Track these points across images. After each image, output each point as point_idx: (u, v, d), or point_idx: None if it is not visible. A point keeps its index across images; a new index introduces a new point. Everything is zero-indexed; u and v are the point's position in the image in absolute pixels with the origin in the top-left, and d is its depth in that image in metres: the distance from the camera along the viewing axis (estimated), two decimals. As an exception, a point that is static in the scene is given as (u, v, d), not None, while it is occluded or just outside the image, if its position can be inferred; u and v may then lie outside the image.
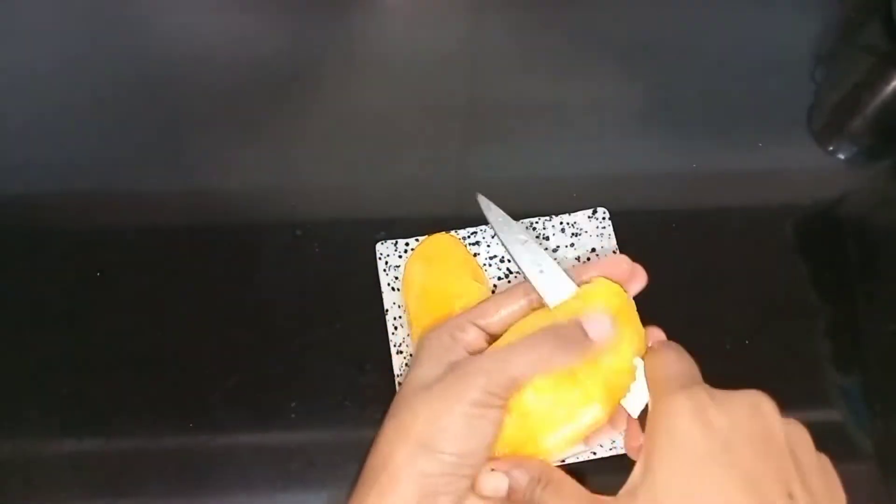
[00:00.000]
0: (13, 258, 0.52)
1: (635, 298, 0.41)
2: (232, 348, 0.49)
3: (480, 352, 0.36)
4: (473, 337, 0.37)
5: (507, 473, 0.34)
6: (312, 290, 0.51)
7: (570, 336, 0.34)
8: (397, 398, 0.36)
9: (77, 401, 0.48)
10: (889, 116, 0.60)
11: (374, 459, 0.35)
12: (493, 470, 0.34)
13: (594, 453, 0.45)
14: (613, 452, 0.44)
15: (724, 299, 0.52)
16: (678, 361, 0.34)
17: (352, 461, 0.46)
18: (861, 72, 0.63)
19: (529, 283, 0.37)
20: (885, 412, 0.49)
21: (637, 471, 0.31)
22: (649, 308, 0.50)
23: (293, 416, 0.47)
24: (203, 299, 0.51)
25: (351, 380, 0.48)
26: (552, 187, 0.55)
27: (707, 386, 0.31)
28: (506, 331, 0.37)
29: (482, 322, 0.37)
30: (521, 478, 0.34)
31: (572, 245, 0.50)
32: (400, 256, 0.50)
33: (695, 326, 0.50)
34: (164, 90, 0.59)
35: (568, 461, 0.44)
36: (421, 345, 0.38)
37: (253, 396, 0.48)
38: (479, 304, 0.38)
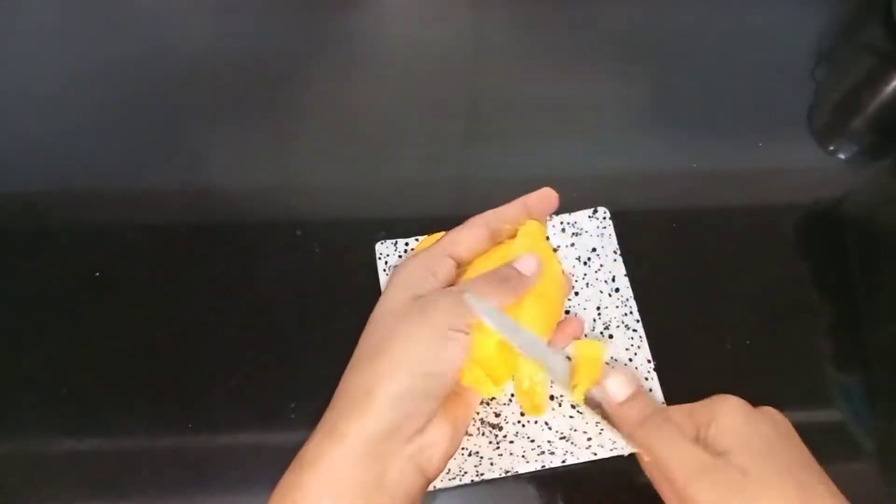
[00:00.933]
0: (13, 257, 0.52)
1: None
2: (232, 348, 0.49)
3: (451, 283, 0.40)
4: (447, 268, 0.40)
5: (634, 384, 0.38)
6: (312, 290, 0.51)
7: (510, 275, 0.38)
8: (370, 323, 0.39)
9: (77, 400, 0.48)
10: (889, 116, 0.60)
11: (347, 383, 0.37)
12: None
13: (595, 454, 0.45)
14: (614, 454, 0.44)
15: (725, 299, 0.51)
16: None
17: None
18: (861, 71, 0.63)
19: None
20: (887, 412, 0.49)
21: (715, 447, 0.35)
22: (651, 307, 0.50)
23: (293, 416, 0.47)
24: (203, 299, 0.51)
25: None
26: (552, 187, 0.55)
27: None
28: (473, 258, 0.41)
29: (452, 251, 0.40)
30: (642, 391, 0.38)
31: (572, 245, 0.50)
32: (400, 256, 0.50)
33: (695, 326, 0.51)
34: (164, 89, 0.59)
35: (568, 462, 0.44)
36: (396, 273, 0.40)
37: (253, 396, 0.48)
38: (448, 234, 0.41)
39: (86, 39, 0.61)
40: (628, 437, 0.37)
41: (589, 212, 0.52)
